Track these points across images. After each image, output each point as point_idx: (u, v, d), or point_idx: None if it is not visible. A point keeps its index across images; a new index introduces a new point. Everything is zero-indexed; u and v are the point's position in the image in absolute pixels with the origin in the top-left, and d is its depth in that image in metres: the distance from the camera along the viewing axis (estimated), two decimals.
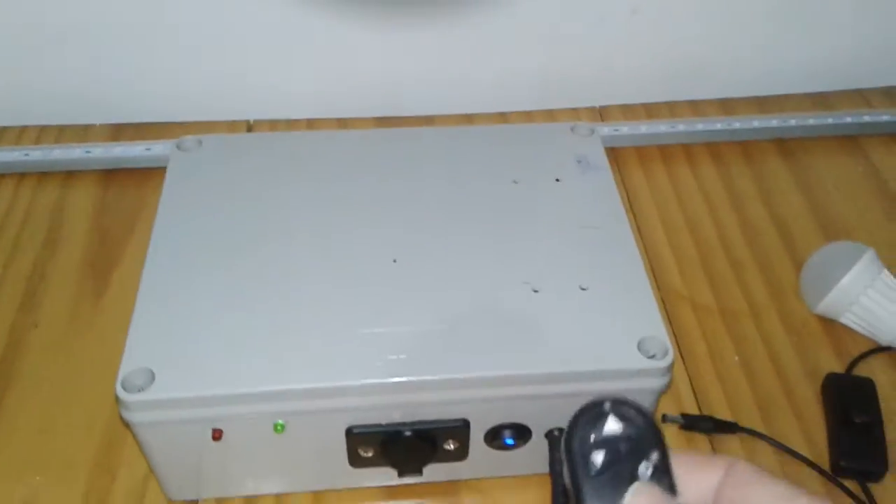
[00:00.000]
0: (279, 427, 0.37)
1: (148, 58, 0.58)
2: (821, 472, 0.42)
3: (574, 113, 0.63)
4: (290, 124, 0.61)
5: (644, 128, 0.60)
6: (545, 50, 0.61)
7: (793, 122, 0.62)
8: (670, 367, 0.37)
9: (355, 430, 0.37)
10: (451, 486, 0.41)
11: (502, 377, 0.37)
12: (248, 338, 0.37)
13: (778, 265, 0.53)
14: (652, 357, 0.37)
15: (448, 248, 0.41)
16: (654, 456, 0.25)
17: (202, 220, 0.42)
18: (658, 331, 0.38)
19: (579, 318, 0.39)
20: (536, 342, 0.37)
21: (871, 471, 0.42)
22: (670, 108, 0.64)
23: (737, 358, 0.47)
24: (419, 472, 0.40)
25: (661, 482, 0.25)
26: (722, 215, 0.56)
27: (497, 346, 0.37)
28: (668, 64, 0.63)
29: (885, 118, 0.62)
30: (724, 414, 0.45)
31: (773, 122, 0.62)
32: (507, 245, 0.42)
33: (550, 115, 0.62)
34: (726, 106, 0.64)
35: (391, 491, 0.41)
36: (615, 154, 0.59)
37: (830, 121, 0.62)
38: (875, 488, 0.42)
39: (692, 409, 0.45)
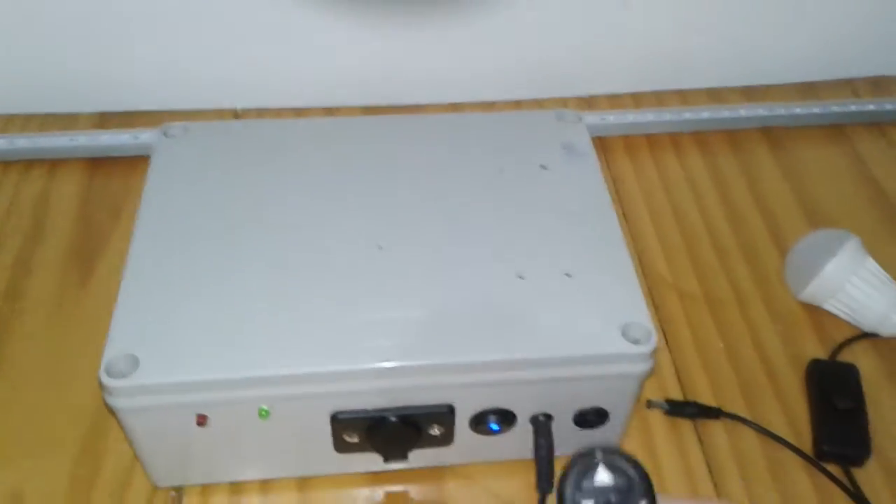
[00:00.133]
0: (264, 413, 0.37)
1: (134, 46, 0.57)
2: (804, 456, 0.42)
3: (562, 102, 0.63)
4: (278, 113, 0.61)
5: (631, 116, 0.61)
6: (533, 39, 0.61)
7: (780, 111, 0.62)
8: (654, 352, 0.37)
9: (340, 416, 0.37)
10: (437, 472, 0.41)
11: (487, 363, 0.37)
12: (232, 324, 0.37)
13: (763, 253, 0.53)
14: (636, 342, 0.37)
15: (433, 235, 0.41)
16: None
17: (187, 207, 0.42)
18: (642, 316, 0.38)
19: (564, 304, 0.39)
20: (521, 328, 0.38)
21: (854, 455, 0.42)
22: (658, 98, 0.64)
23: (721, 344, 0.48)
24: (405, 457, 0.40)
25: None
26: (708, 203, 0.56)
27: (482, 331, 0.37)
28: (657, 54, 0.63)
29: (871, 107, 0.63)
30: (708, 400, 0.45)
31: (760, 110, 0.62)
32: (492, 231, 0.42)
33: (539, 104, 0.62)
34: (714, 95, 0.64)
35: (377, 476, 0.41)
36: (602, 143, 0.60)
37: (817, 110, 0.62)
38: (858, 472, 0.42)
39: (677, 395, 0.45)
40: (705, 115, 0.61)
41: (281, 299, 0.38)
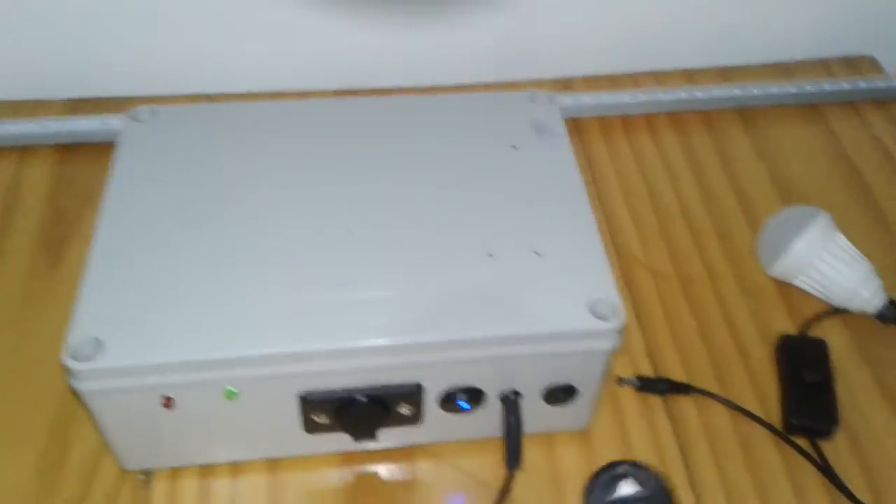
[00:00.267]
0: (231, 394, 0.37)
1: (105, 31, 0.57)
2: (773, 430, 0.43)
3: (537, 84, 0.62)
4: (251, 97, 0.60)
5: (606, 98, 0.60)
6: (507, 21, 0.61)
7: (754, 91, 0.62)
8: (622, 328, 0.38)
9: (309, 397, 0.37)
10: (408, 451, 0.41)
11: (455, 341, 0.37)
12: (197, 306, 0.37)
13: (736, 232, 0.53)
14: (603, 318, 0.37)
15: (403, 215, 0.41)
16: None
17: (155, 190, 0.42)
18: (610, 292, 0.38)
19: (532, 282, 0.39)
20: (489, 306, 0.38)
21: (822, 428, 0.42)
22: (634, 80, 0.64)
23: (693, 322, 0.48)
24: (374, 437, 0.40)
25: None
26: (683, 184, 0.56)
27: (450, 309, 0.37)
28: (632, 35, 0.63)
29: (845, 86, 0.63)
30: (679, 376, 0.45)
31: (735, 91, 0.62)
32: (462, 211, 0.42)
33: (514, 86, 0.62)
34: (689, 76, 0.64)
35: (347, 457, 0.41)
36: (577, 124, 0.59)
37: (792, 90, 0.62)
38: (825, 445, 0.42)
39: (648, 372, 0.45)
40: (680, 95, 0.61)
41: (247, 281, 0.38)
